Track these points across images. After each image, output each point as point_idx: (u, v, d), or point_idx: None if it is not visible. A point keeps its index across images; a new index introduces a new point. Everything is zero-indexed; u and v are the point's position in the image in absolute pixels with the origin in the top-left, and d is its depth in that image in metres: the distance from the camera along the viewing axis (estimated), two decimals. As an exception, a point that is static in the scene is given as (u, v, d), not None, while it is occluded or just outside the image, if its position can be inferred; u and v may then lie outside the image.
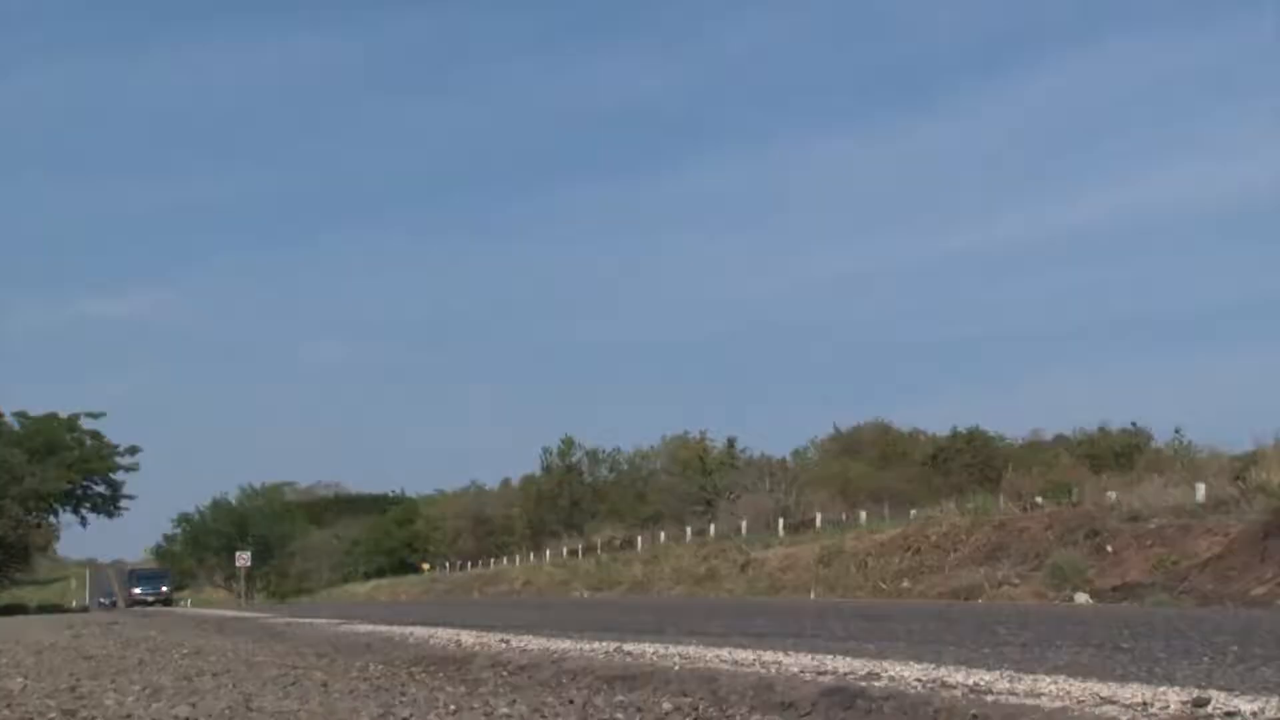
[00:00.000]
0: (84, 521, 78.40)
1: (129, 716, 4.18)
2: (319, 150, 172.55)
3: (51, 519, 73.26)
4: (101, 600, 74.99)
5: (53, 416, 76.89)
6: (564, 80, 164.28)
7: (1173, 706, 2.96)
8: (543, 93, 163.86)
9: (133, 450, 79.00)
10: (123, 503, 79.28)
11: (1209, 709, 2.87)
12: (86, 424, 77.76)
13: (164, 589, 66.38)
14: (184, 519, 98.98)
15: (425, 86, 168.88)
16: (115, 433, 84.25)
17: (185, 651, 8.24)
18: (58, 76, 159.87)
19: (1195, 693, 3.07)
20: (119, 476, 78.56)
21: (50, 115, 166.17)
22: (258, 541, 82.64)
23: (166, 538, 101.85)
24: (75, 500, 76.40)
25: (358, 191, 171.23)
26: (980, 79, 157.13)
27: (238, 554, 66.40)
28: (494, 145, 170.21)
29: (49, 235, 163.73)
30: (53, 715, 4.21)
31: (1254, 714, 2.81)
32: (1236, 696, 3.01)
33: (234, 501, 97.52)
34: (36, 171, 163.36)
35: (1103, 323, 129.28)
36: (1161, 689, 3.23)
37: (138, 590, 66.13)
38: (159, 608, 46.72)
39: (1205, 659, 4.29)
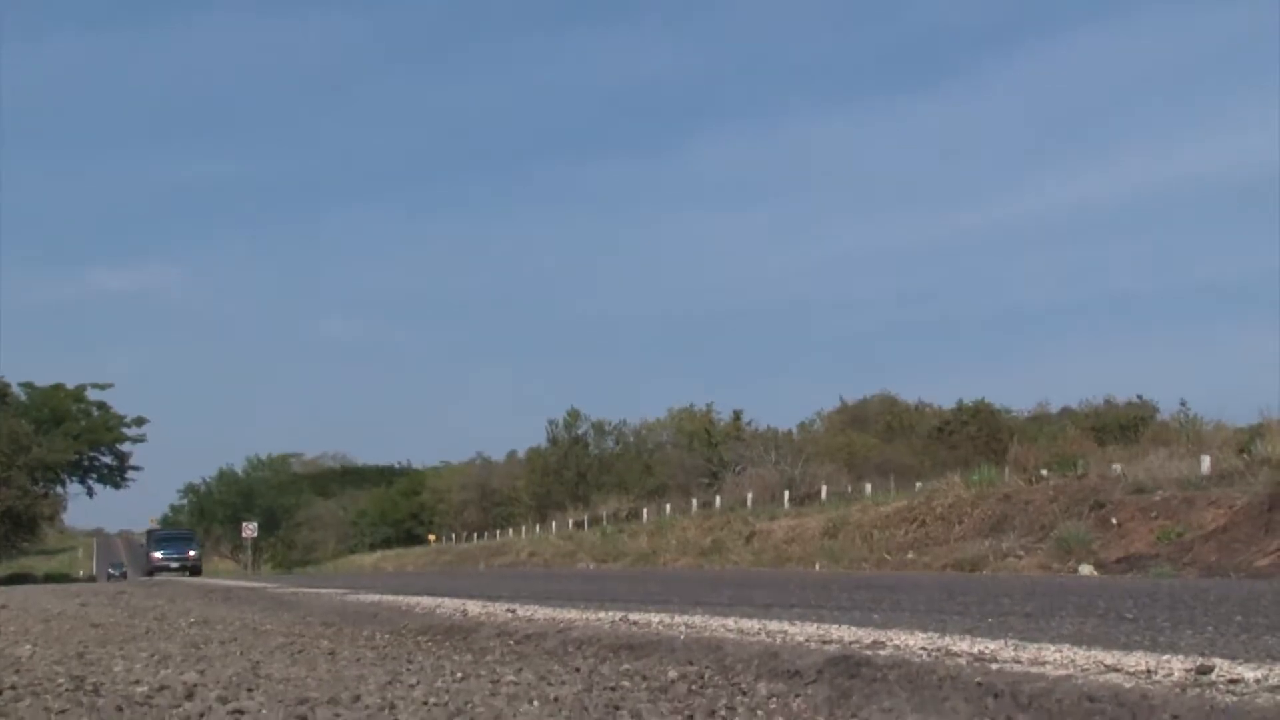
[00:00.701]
0: (91, 492, 78.86)
1: (137, 682, 4.20)
2: (324, 128, 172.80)
3: (58, 489, 73.45)
4: (111, 570, 75.00)
5: (59, 387, 77.17)
6: (569, 58, 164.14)
7: (1177, 674, 2.97)
8: (547, 71, 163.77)
9: (139, 421, 79.38)
10: (129, 473, 79.81)
11: (1213, 676, 2.88)
12: (93, 395, 78.19)
13: (191, 553, 52.81)
14: (191, 490, 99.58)
15: (430, 64, 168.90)
16: (122, 404, 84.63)
17: (192, 620, 8.27)
18: (67, 51, 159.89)
19: (1199, 660, 3.08)
20: (126, 448, 79.05)
21: (57, 90, 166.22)
22: (264, 512, 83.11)
23: (173, 508, 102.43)
24: (82, 471, 76.77)
25: (363, 169, 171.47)
26: (988, 56, 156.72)
27: (244, 525, 66.58)
28: (500, 123, 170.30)
29: (58, 209, 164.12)
30: (61, 681, 4.23)
31: (1258, 681, 2.82)
32: (1240, 664, 3.01)
33: (240, 473, 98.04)
34: (46, 146, 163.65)
35: (1109, 297, 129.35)
36: (1165, 657, 3.23)
37: (159, 555, 52.64)
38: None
39: (1209, 628, 4.30)
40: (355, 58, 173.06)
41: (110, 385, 79.82)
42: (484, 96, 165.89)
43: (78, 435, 74.90)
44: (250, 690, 4.03)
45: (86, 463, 77.45)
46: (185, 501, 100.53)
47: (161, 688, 4.08)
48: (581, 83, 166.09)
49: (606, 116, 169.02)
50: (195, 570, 49.88)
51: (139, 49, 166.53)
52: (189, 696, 3.89)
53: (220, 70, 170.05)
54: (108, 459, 78.85)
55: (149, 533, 65.71)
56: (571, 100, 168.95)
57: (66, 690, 4.04)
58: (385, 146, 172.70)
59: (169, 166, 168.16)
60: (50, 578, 56.12)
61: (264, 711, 3.55)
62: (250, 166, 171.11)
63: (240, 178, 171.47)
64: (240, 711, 3.55)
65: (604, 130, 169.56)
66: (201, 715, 3.50)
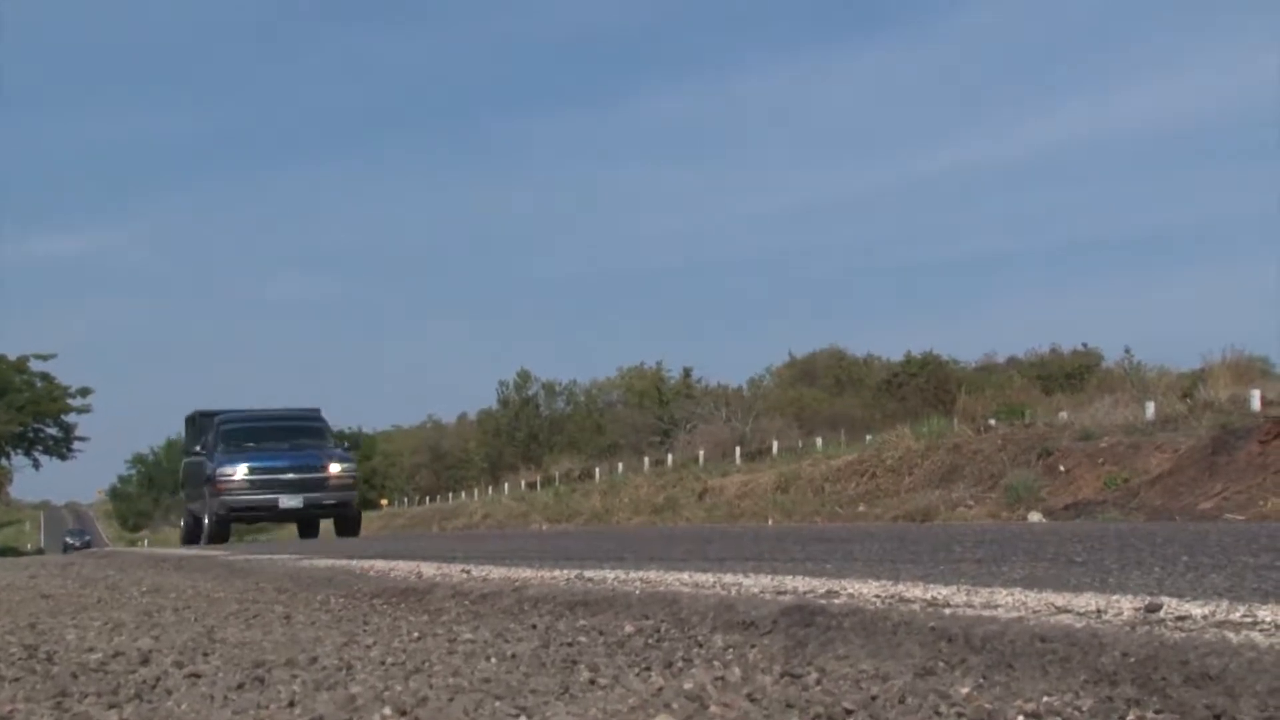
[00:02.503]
0: (37, 464, 77.78)
1: (91, 650, 4.18)
2: (271, 84, 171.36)
3: (3, 462, 72.62)
4: (69, 540, 73.90)
5: (1, 359, 75.98)
6: (517, 8, 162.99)
7: (1126, 613, 3.02)
8: (496, 21, 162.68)
9: (84, 392, 78.27)
10: (75, 445, 78.66)
11: (1161, 614, 2.93)
12: (36, 365, 76.93)
13: (334, 468, 21.41)
14: (138, 459, 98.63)
15: (378, 15, 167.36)
16: (66, 374, 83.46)
17: (144, 589, 8.22)
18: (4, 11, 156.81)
19: (1148, 600, 3.13)
20: (71, 418, 77.90)
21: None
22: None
23: (121, 479, 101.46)
24: (27, 443, 75.75)
25: (309, 125, 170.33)
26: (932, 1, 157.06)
27: (194, 494, 65.83)
28: (448, 76, 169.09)
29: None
30: (14, 650, 4.19)
31: (1204, 617, 2.87)
32: (1188, 602, 3.07)
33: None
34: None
35: (1053, 245, 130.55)
36: (1115, 597, 3.28)
37: (240, 476, 20.77)
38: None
39: (1156, 569, 4.37)
40: (301, 12, 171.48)
41: (53, 355, 78.62)
42: (428, 51, 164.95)
43: (21, 407, 73.84)
44: (206, 654, 4.01)
45: (31, 435, 76.44)
46: (133, 471, 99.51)
47: (116, 654, 4.06)
48: (529, 33, 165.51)
49: (552, 70, 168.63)
50: (345, 519, 21.85)
51: (79, 5, 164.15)
52: (144, 662, 3.87)
53: (164, 26, 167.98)
54: (53, 430, 77.81)
55: (193, 420, 25.82)
56: (516, 54, 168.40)
57: (19, 659, 4.01)
58: (331, 103, 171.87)
59: (111, 126, 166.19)
60: (-2, 551, 55.50)
61: (220, 674, 3.54)
62: (194, 125, 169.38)
63: (184, 136, 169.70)
64: (196, 675, 3.54)
65: (550, 84, 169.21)
66: (157, 679, 3.48)
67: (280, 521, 24.52)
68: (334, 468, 21.44)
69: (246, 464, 20.93)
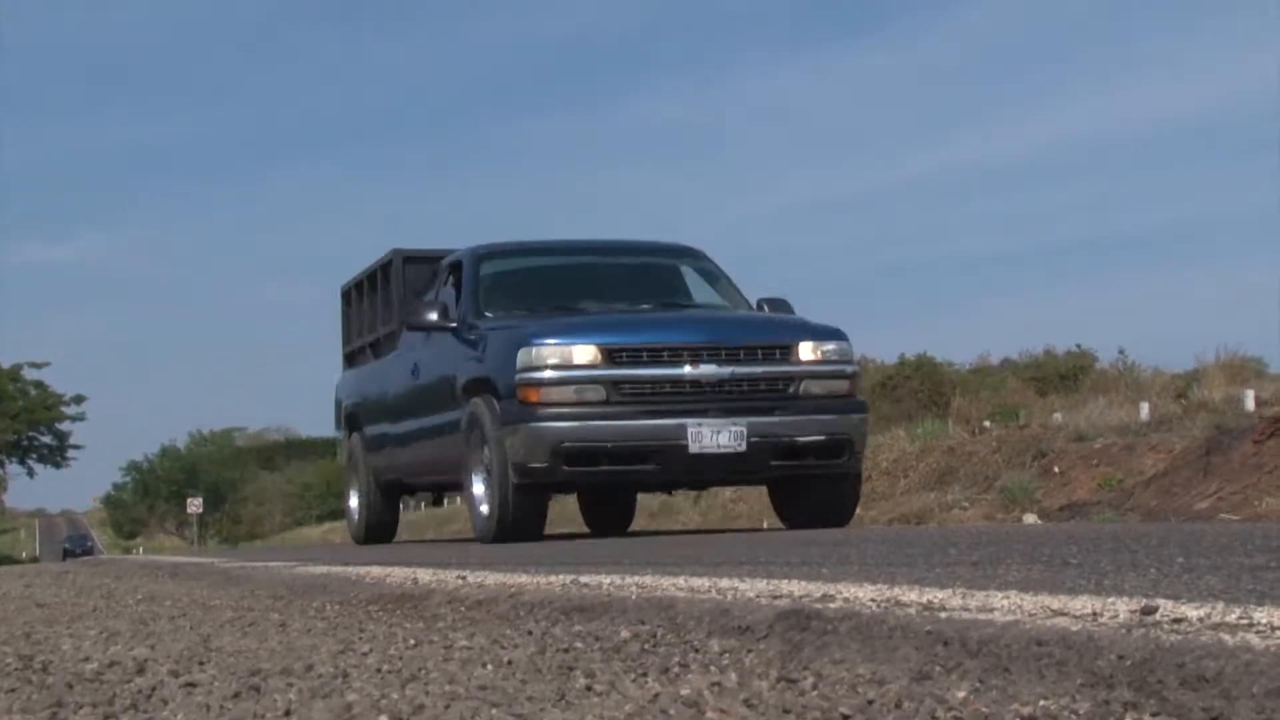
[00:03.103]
0: (31, 473, 77.80)
1: (87, 659, 4.17)
2: (267, 88, 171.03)
3: (-2, 470, 72.59)
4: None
5: (-6, 368, 75.94)
6: (516, 10, 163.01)
7: (1122, 615, 3.02)
8: (481, 26, 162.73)
9: (78, 399, 78.37)
10: (70, 453, 78.69)
11: (1157, 616, 2.93)
12: (29, 374, 76.92)
13: (810, 354, 9.24)
14: (133, 467, 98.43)
15: (373, 19, 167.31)
16: (60, 381, 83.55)
17: (139, 597, 8.20)
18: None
19: (1143, 602, 3.13)
20: (65, 426, 77.90)
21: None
22: (208, 488, 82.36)
23: (115, 486, 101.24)
24: (21, 451, 75.75)
25: (306, 129, 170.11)
26: (926, 1, 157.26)
27: (189, 501, 65.78)
28: (435, 81, 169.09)
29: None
30: (9, 660, 4.18)
31: (1200, 619, 2.87)
32: (1184, 604, 3.07)
33: (183, 448, 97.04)
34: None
35: (1046, 245, 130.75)
36: (1111, 599, 3.28)
37: (580, 370, 8.61)
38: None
39: (1152, 570, 4.37)
40: (298, 16, 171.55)
41: (47, 364, 78.68)
42: (427, 54, 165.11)
43: (15, 415, 73.81)
44: (202, 664, 4.00)
45: (25, 443, 76.44)
46: (128, 479, 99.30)
47: (112, 664, 4.05)
48: (524, 38, 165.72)
49: (550, 72, 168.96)
50: (838, 480, 10.12)
51: (71, 6, 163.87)
52: (140, 671, 3.86)
53: (158, 28, 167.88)
54: (47, 439, 77.82)
55: (383, 276, 12.24)
56: (514, 56, 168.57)
57: (15, 669, 3.99)
58: (328, 106, 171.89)
59: (106, 131, 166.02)
60: (-7, 560, 55.35)
61: (216, 683, 3.53)
62: (190, 129, 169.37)
63: (179, 141, 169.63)
64: (193, 684, 3.53)
65: (548, 86, 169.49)
66: (153, 689, 3.48)
67: (673, 487, 12.49)
68: (805, 350, 9.54)
69: (594, 342, 9.10)
